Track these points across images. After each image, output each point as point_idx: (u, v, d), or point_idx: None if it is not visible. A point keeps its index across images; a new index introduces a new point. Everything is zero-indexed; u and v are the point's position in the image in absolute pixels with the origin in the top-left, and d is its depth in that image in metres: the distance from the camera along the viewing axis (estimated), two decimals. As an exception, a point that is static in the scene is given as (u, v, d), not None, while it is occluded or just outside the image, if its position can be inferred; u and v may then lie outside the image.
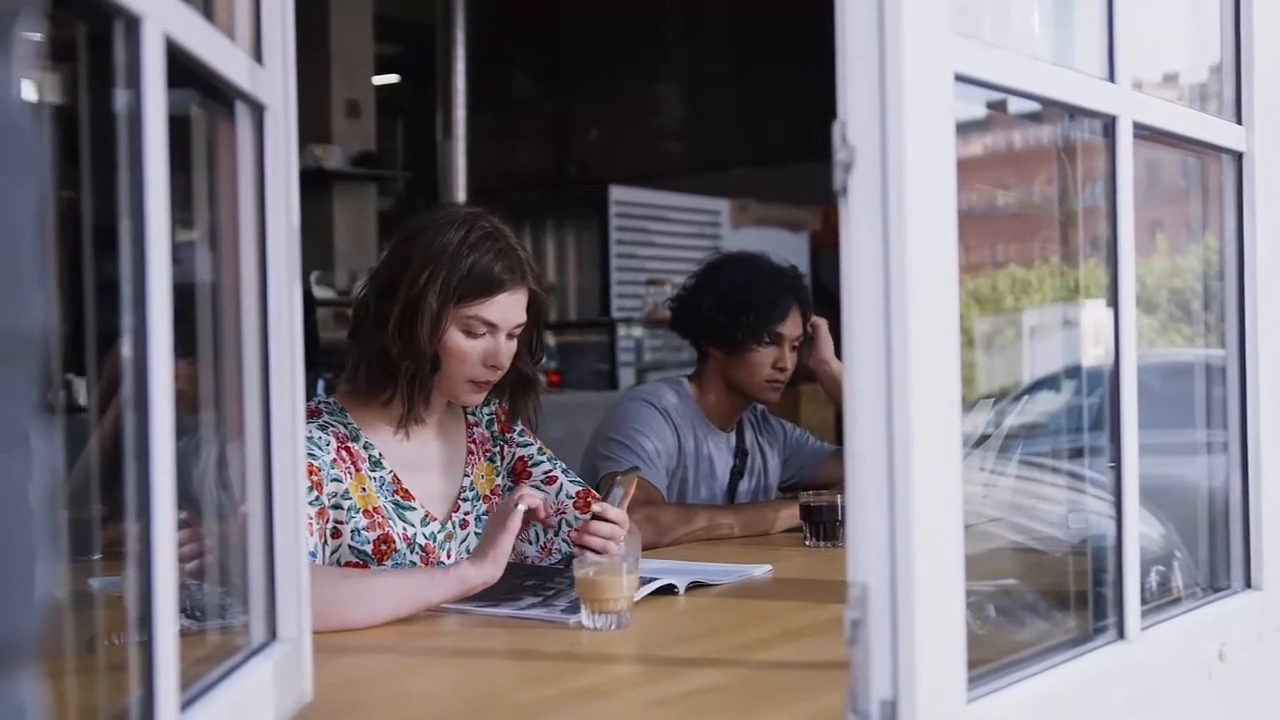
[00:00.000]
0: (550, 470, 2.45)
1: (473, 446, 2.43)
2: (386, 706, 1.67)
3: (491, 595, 2.08)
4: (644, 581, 2.10)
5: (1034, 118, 1.74)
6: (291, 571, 1.44)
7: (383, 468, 2.28)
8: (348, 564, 2.21)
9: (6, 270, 0.60)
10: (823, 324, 3.17)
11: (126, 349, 1.04)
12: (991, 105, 1.52)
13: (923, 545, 1.21)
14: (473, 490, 2.40)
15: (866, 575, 1.22)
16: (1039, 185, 1.99)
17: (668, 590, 2.18)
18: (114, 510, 1.12)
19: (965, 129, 1.31)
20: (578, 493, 2.42)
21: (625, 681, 1.74)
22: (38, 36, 0.66)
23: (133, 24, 1.01)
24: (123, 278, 1.04)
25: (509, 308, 2.26)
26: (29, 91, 0.63)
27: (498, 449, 2.46)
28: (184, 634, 1.13)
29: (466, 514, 2.38)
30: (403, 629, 1.95)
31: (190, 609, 1.36)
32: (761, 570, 2.43)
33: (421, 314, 2.20)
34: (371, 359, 2.26)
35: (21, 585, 0.61)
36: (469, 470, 2.41)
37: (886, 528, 1.21)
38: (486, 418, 2.47)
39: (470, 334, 2.24)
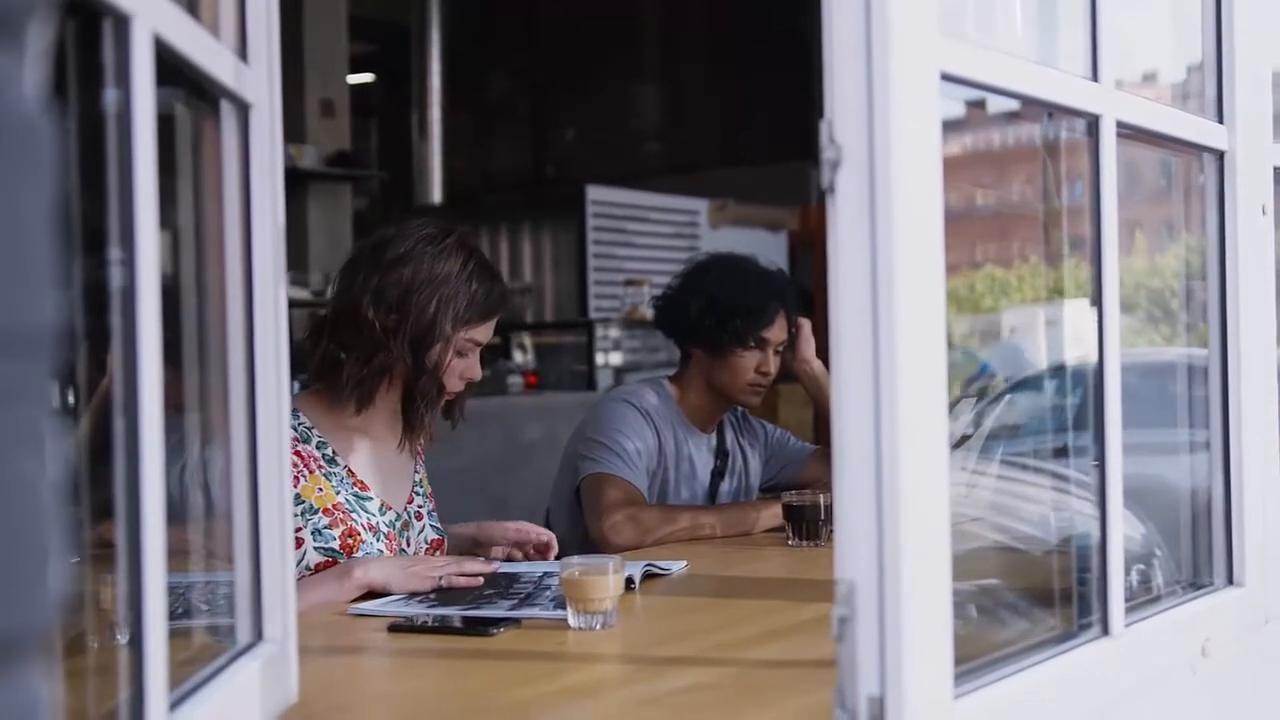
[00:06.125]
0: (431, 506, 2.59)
1: (418, 449, 2.55)
2: (371, 707, 1.67)
3: (475, 599, 2.09)
4: None
5: (1012, 117, 1.74)
6: (277, 573, 1.44)
7: (338, 464, 2.36)
8: (318, 565, 2.26)
9: (20, 268, 0.60)
10: (806, 324, 3.17)
11: (115, 351, 1.03)
12: (970, 104, 1.53)
13: (910, 542, 1.21)
14: (421, 488, 2.53)
15: (854, 572, 1.22)
16: (1017, 185, 2.00)
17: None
18: (97, 512, 1.12)
19: (944, 128, 1.31)
20: (433, 540, 2.52)
21: (612, 681, 1.74)
22: (50, 36, 0.66)
23: (122, 23, 1.01)
24: (109, 278, 1.04)
25: (493, 328, 2.44)
26: (40, 90, 0.63)
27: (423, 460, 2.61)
28: (169, 634, 1.12)
29: (419, 507, 2.50)
30: (387, 632, 1.95)
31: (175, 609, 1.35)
32: (679, 566, 2.43)
33: (435, 341, 2.33)
34: (375, 373, 2.33)
35: (34, 580, 0.61)
36: (418, 469, 2.54)
37: (874, 525, 1.21)
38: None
39: (461, 354, 2.38)
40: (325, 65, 7.71)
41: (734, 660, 1.78)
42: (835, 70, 1.22)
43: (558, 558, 2.50)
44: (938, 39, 1.27)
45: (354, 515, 2.33)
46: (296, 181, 7.25)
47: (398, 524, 2.42)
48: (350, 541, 2.30)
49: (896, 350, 1.20)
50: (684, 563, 2.46)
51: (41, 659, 0.62)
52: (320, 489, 2.31)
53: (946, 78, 1.29)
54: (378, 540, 2.35)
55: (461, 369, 2.39)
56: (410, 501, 2.48)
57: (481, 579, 2.21)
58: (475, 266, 2.38)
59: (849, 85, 1.22)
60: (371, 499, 2.38)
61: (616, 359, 7.62)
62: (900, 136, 1.21)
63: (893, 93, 1.20)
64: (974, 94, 1.45)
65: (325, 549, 2.28)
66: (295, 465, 2.27)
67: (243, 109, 1.39)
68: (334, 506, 2.31)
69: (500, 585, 2.22)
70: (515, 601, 2.08)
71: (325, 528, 2.29)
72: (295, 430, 2.32)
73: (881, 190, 1.20)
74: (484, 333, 2.41)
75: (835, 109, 1.22)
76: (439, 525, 2.54)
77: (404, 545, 2.42)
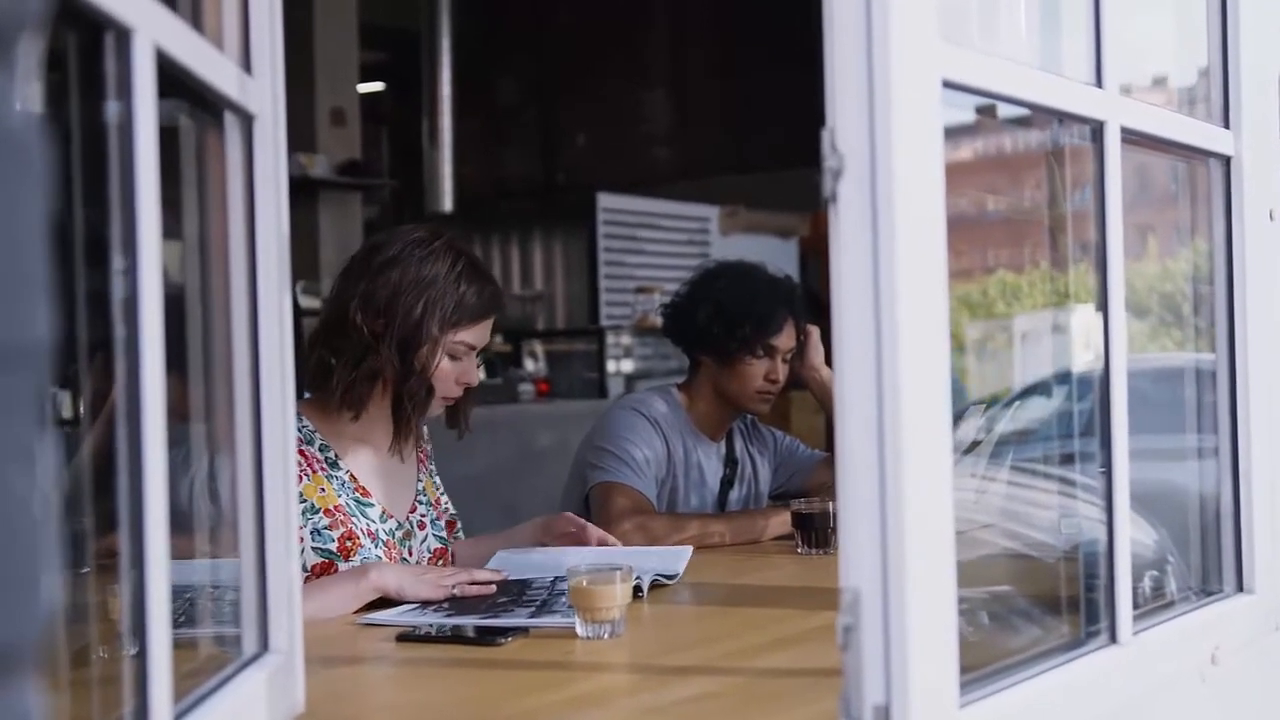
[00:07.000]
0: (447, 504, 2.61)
1: (422, 457, 2.56)
2: (379, 717, 1.67)
3: (490, 609, 2.09)
4: None
5: (1022, 123, 1.74)
6: (283, 583, 1.44)
7: (340, 468, 2.37)
8: (314, 567, 2.27)
9: (12, 282, 0.60)
10: (814, 331, 3.17)
11: (118, 361, 1.04)
12: (980, 110, 1.52)
13: (915, 550, 1.21)
14: (425, 496, 2.53)
15: (859, 580, 1.22)
16: (1028, 190, 1.99)
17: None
18: (104, 523, 1.12)
19: (953, 134, 1.31)
20: (435, 549, 2.54)
21: (619, 690, 1.74)
22: (41, 48, 0.66)
23: (124, 36, 1.01)
24: (113, 289, 1.04)
25: (487, 332, 2.43)
26: (32, 103, 0.63)
27: (433, 465, 2.61)
28: (176, 644, 1.12)
29: (422, 516, 2.50)
30: (395, 642, 1.95)
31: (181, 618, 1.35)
32: (683, 559, 2.44)
33: (422, 342, 2.33)
34: (364, 378, 2.34)
35: (26, 593, 0.61)
36: (421, 477, 2.53)
37: (878, 533, 1.21)
38: (425, 434, 2.61)
39: (453, 358, 2.38)
40: (336, 74, 7.70)
41: (741, 669, 1.78)
42: (837, 78, 1.22)
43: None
44: (939, 45, 1.27)
45: (354, 519, 2.33)
46: (307, 190, 7.25)
47: (398, 533, 2.42)
48: (348, 545, 2.31)
49: (899, 358, 1.20)
50: (689, 549, 2.48)
51: (34, 672, 0.63)
52: (323, 489, 2.32)
53: (948, 85, 1.29)
54: (376, 547, 2.35)
55: (457, 373, 2.38)
56: (413, 510, 2.48)
57: (494, 587, 2.21)
58: (464, 268, 2.37)
59: (850, 93, 1.21)
60: (373, 505, 2.39)
61: (628, 366, 7.62)
62: (902, 144, 1.20)
63: (894, 100, 1.20)
64: (985, 100, 1.45)
65: (323, 550, 2.29)
66: (298, 464, 2.27)
67: (246, 120, 1.39)
68: (335, 508, 2.32)
69: (513, 593, 2.22)
70: (532, 609, 2.08)
71: (325, 528, 2.29)
72: (299, 432, 2.32)
73: (884, 198, 1.20)
74: (476, 335, 2.39)
75: (837, 117, 1.22)
76: (443, 535, 2.54)
77: (405, 554, 2.42)
